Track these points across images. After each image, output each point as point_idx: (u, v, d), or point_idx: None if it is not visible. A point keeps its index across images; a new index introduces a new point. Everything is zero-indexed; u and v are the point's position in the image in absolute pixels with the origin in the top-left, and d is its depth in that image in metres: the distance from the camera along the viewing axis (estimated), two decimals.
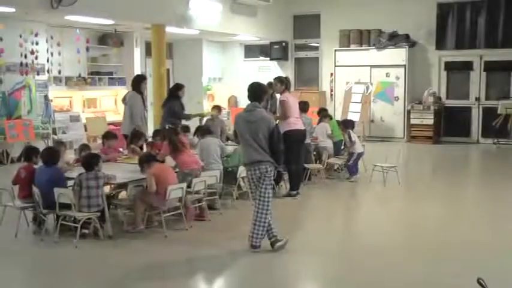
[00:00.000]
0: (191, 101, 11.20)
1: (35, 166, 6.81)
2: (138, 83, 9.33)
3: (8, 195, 6.60)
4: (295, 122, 8.61)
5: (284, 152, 6.19)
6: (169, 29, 12.94)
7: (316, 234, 7.01)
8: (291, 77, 17.54)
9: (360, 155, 9.99)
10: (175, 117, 9.54)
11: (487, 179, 10.94)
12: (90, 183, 6.31)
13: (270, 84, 9.11)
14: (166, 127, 8.90)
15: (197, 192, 7.16)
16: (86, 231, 6.43)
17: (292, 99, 8.82)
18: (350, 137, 9.92)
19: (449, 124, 15.68)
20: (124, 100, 9.42)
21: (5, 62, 11.85)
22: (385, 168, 9.68)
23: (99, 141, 11.55)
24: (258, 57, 18.29)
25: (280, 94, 8.88)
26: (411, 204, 8.60)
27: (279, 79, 9.06)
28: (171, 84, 16.77)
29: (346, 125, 10.27)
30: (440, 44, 15.54)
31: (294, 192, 8.65)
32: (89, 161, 6.52)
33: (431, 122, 15.21)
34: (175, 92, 9.89)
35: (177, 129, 7.72)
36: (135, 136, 8.51)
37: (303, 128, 8.79)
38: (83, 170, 6.48)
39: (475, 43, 15.14)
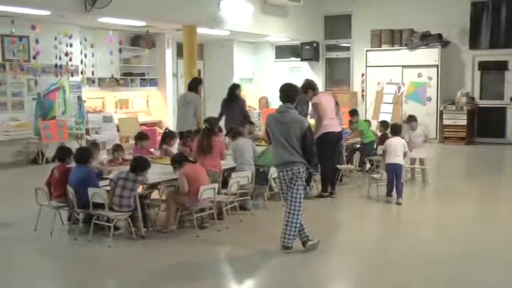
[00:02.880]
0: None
1: (69, 166, 6.90)
2: (197, 85, 10.23)
3: (43, 194, 6.71)
4: (331, 123, 8.40)
5: (318, 153, 6.15)
6: (200, 30, 13.02)
7: (348, 235, 6.98)
8: (322, 78, 17.55)
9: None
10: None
11: None
12: (127, 184, 6.36)
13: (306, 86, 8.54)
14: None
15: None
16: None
17: (325, 99, 8.55)
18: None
19: (483, 125, 15.43)
20: (185, 100, 10.01)
21: (41, 64, 12.09)
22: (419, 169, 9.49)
23: (132, 141, 11.70)
24: (288, 58, 18.28)
25: (311, 98, 8.55)
26: (445, 206, 8.47)
27: (304, 90, 8.33)
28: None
29: (395, 130, 8.73)
30: (474, 44, 15.31)
31: (326, 193, 8.61)
32: (139, 164, 6.51)
33: (464, 122, 15.00)
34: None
35: (214, 130, 7.61)
36: (167, 136, 8.59)
37: (339, 129, 8.63)
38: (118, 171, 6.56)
39: (510, 42, 14.86)
